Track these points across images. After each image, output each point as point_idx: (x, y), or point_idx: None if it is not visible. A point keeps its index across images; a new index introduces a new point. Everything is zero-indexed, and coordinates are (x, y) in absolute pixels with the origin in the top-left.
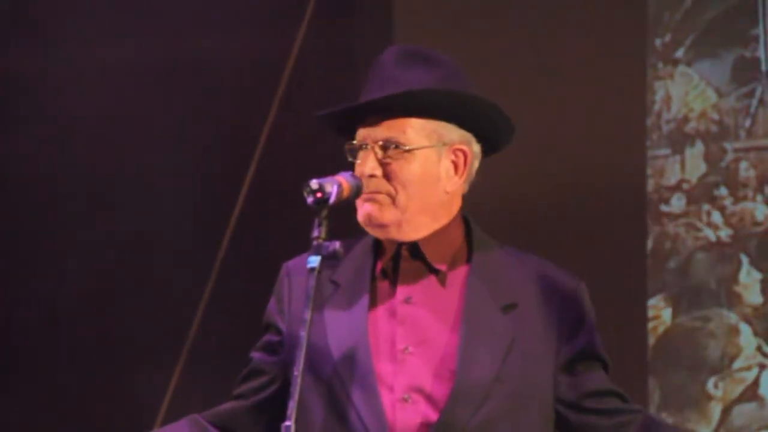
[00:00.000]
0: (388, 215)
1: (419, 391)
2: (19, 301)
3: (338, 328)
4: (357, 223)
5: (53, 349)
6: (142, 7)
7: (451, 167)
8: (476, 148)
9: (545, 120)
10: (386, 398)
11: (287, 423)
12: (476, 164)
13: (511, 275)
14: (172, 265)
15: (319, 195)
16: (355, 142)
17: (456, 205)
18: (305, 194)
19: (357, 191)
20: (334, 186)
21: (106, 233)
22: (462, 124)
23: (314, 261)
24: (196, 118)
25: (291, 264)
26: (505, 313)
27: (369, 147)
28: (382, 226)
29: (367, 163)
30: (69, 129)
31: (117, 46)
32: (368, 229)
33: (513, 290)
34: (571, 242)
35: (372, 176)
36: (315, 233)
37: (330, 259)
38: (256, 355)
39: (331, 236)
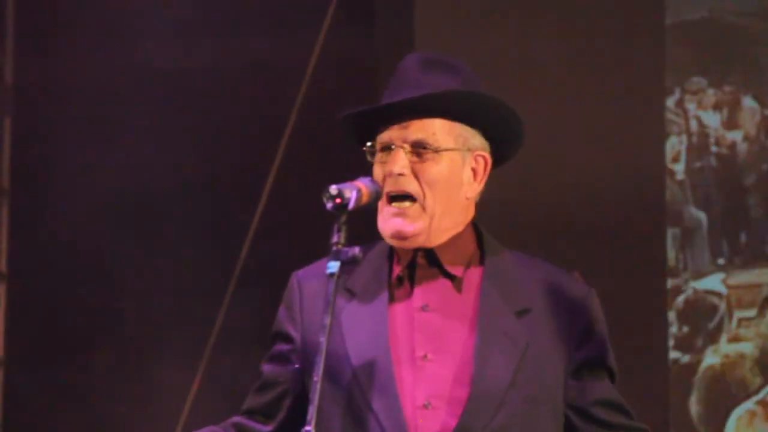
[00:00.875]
0: (419, 225)
1: (439, 397)
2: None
3: (357, 335)
4: (371, 229)
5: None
6: (159, 12)
7: (471, 173)
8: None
9: (564, 128)
10: (407, 406)
11: (307, 428)
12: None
13: (523, 281)
14: (192, 269)
15: (338, 200)
16: (381, 142)
17: (471, 212)
18: (325, 199)
19: (376, 197)
20: (354, 191)
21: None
22: (482, 130)
23: (334, 266)
24: (216, 123)
25: (301, 273)
26: (518, 318)
27: (398, 147)
28: (409, 238)
29: (398, 162)
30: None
31: (131, 50)
32: (392, 242)
33: (526, 295)
34: (589, 251)
35: (401, 175)
36: (334, 238)
37: (349, 264)
38: (266, 367)
39: (350, 241)
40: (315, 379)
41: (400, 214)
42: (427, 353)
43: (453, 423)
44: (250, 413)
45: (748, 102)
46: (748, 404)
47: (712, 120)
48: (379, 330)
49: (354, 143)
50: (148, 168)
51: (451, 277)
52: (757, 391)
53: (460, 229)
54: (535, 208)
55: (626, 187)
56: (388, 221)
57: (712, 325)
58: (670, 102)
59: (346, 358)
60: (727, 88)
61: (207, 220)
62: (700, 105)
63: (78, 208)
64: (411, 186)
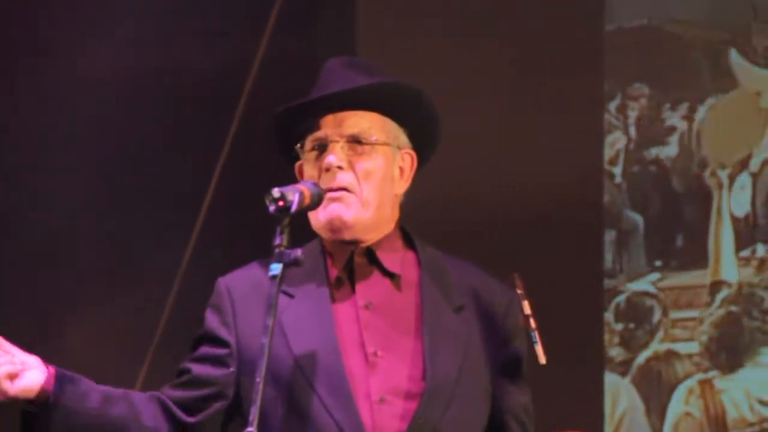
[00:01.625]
0: (354, 213)
1: (394, 392)
2: None
3: (302, 335)
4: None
5: None
6: (105, 17)
7: (399, 171)
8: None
9: (503, 130)
10: (362, 401)
11: (250, 429)
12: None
13: (455, 279)
14: (135, 276)
15: (281, 203)
16: (315, 139)
17: (397, 210)
18: (267, 202)
19: (318, 199)
20: (296, 194)
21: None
22: (407, 128)
23: (276, 268)
24: (159, 128)
25: (228, 278)
26: (457, 315)
27: (333, 142)
28: (347, 227)
29: (336, 155)
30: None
31: (81, 56)
32: (329, 233)
33: (459, 293)
34: (527, 252)
35: (339, 168)
36: (277, 241)
37: (291, 266)
38: (196, 367)
39: (293, 244)
40: (257, 380)
41: (338, 199)
42: (377, 350)
43: (409, 417)
44: (170, 401)
45: (684, 106)
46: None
47: (650, 124)
48: (325, 329)
49: (283, 143)
50: (91, 174)
51: (390, 276)
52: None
53: (391, 226)
54: (473, 208)
55: (565, 190)
56: (326, 208)
57: (648, 325)
58: (611, 107)
59: (290, 359)
60: (664, 93)
61: (150, 225)
62: (638, 110)
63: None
64: (348, 180)
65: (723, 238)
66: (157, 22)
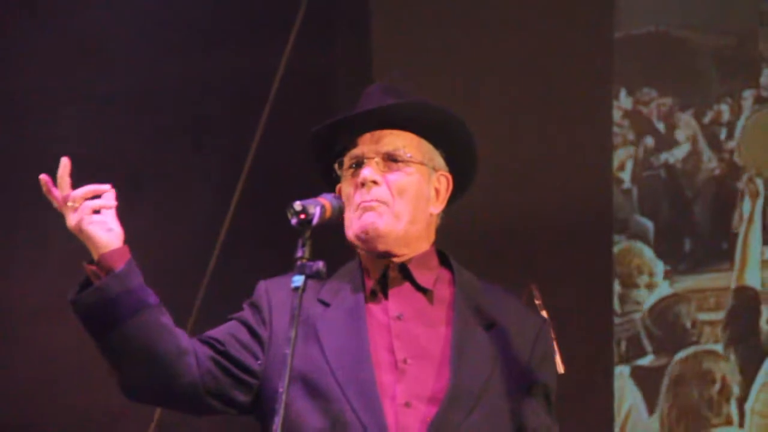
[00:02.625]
0: (387, 223)
1: (419, 397)
2: None
3: (335, 343)
4: (339, 244)
5: None
6: (127, 29)
7: (435, 192)
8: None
9: (513, 137)
10: (388, 404)
11: None
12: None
13: (488, 299)
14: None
15: (302, 216)
16: (352, 157)
17: (433, 231)
18: (289, 215)
19: (339, 212)
20: (317, 207)
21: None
22: (444, 152)
23: (299, 280)
24: (181, 141)
25: (268, 282)
26: (487, 331)
27: (370, 159)
28: (380, 236)
29: (371, 170)
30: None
31: (94, 68)
32: (361, 243)
33: (491, 312)
34: (538, 259)
35: (374, 182)
36: (299, 253)
37: (313, 279)
38: (229, 342)
39: (315, 257)
40: (280, 390)
41: (371, 209)
42: (406, 358)
43: (430, 419)
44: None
45: (691, 111)
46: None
47: (659, 130)
48: (358, 337)
49: (319, 161)
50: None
51: (422, 291)
52: None
53: (426, 245)
54: (483, 217)
55: (574, 196)
56: (361, 218)
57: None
58: (619, 113)
59: (325, 365)
60: (672, 99)
61: (172, 239)
62: (648, 115)
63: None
64: (382, 194)
65: (752, 243)
66: (178, 36)
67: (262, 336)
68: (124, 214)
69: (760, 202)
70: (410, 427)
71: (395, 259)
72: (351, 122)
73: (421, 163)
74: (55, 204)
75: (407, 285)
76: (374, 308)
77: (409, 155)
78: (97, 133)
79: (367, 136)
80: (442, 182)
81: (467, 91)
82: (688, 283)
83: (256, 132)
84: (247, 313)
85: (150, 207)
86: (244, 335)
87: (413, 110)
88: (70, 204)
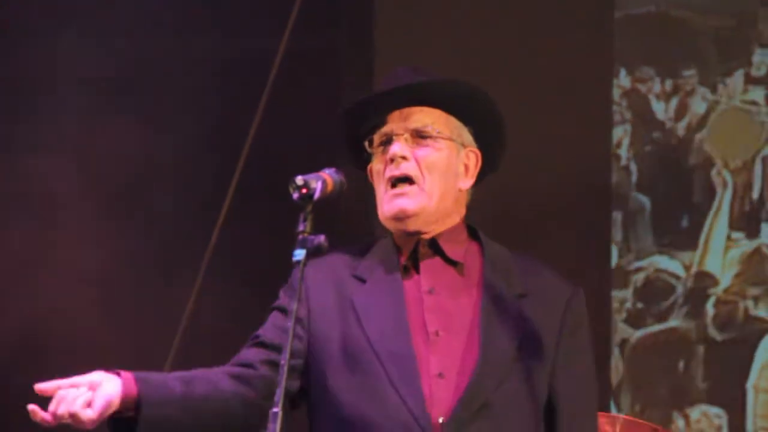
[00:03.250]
0: (418, 203)
1: (451, 368)
2: None
3: (373, 317)
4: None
5: None
6: (122, 10)
7: (464, 168)
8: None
9: (514, 115)
10: (423, 377)
11: (275, 410)
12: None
13: (519, 270)
14: (164, 258)
15: (304, 191)
16: (382, 134)
17: (464, 207)
18: (291, 190)
19: (340, 187)
20: (319, 182)
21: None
22: (472, 129)
23: (299, 254)
24: (181, 118)
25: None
26: (517, 300)
27: (399, 135)
28: (410, 217)
29: (400, 146)
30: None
31: (97, 47)
32: (394, 223)
33: (522, 283)
34: (537, 234)
35: (403, 158)
36: (300, 227)
37: (314, 253)
38: (266, 332)
39: (317, 231)
40: (282, 362)
41: (402, 194)
42: (438, 330)
43: (462, 389)
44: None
45: (690, 90)
46: None
47: (657, 108)
48: (396, 310)
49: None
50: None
51: (453, 264)
52: None
53: (456, 219)
54: (482, 194)
55: (574, 172)
56: (391, 202)
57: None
58: (618, 92)
59: (362, 337)
60: (671, 78)
61: (173, 217)
62: (646, 94)
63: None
64: (411, 169)
65: (716, 230)
66: (175, 17)
67: (301, 315)
68: (121, 202)
69: (728, 192)
70: (444, 398)
71: (425, 236)
72: (380, 101)
73: (450, 139)
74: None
75: (438, 259)
76: (407, 283)
77: (437, 131)
78: (90, 118)
79: (396, 113)
80: (471, 158)
81: (470, 66)
82: (683, 259)
83: (255, 115)
84: (283, 299)
85: (149, 193)
86: (285, 321)
87: (441, 87)
88: (68, 419)
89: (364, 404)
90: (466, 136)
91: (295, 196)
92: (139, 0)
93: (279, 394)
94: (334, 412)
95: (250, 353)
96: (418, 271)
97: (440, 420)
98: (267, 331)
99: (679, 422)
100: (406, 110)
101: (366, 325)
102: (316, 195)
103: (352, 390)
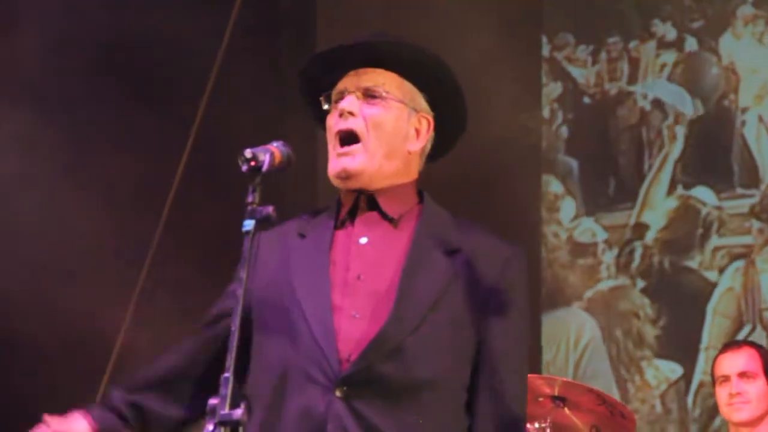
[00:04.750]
0: (361, 162)
1: (366, 309)
2: None
3: (301, 268)
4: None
5: None
6: None
7: (414, 133)
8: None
9: None
10: (337, 315)
11: (226, 375)
12: (428, 146)
13: (457, 230)
14: (111, 247)
15: (252, 163)
16: (337, 90)
17: (414, 170)
18: (240, 162)
19: (288, 159)
20: (267, 154)
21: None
22: (427, 95)
23: (249, 225)
24: (129, 103)
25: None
26: (447, 256)
27: (350, 92)
28: (353, 176)
29: (349, 102)
30: None
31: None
32: (337, 181)
33: (457, 240)
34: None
35: (351, 113)
36: (249, 199)
37: (263, 223)
38: (220, 304)
39: (264, 202)
40: (233, 328)
41: (345, 154)
42: (360, 274)
43: (374, 331)
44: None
45: (616, 55)
46: None
47: (583, 73)
48: (320, 258)
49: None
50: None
51: (389, 220)
52: None
53: (403, 180)
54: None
55: (505, 136)
56: (335, 161)
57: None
58: (545, 57)
59: (291, 288)
60: (596, 41)
61: (122, 200)
62: (571, 59)
63: None
64: (357, 125)
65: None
66: None
67: (251, 286)
68: (71, 170)
69: (676, 146)
70: (356, 338)
71: (367, 193)
72: (339, 59)
73: (401, 102)
74: None
75: (375, 214)
76: (341, 234)
77: (387, 92)
78: (42, 88)
79: (352, 73)
80: (423, 123)
81: (408, 36)
82: (607, 220)
83: (204, 89)
84: (236, 270)
85: (99, 164)
86: (231, 288)
87: (398, 50)
88: None
89: (283, 345)
90: (420, 102)
91: (244, 168)
92: None
93: (230, 360)
94: (260, 358)
95: (208, 330)
96: (353, 225)
97: (349, 357)
98: (220, 302)
99: None
100: (362, 70)
101: (293, 273)
102: (265, 167)
103: (274, 334)
